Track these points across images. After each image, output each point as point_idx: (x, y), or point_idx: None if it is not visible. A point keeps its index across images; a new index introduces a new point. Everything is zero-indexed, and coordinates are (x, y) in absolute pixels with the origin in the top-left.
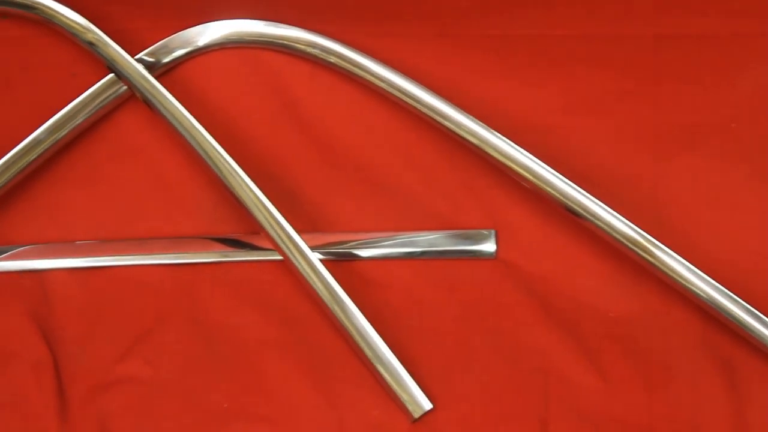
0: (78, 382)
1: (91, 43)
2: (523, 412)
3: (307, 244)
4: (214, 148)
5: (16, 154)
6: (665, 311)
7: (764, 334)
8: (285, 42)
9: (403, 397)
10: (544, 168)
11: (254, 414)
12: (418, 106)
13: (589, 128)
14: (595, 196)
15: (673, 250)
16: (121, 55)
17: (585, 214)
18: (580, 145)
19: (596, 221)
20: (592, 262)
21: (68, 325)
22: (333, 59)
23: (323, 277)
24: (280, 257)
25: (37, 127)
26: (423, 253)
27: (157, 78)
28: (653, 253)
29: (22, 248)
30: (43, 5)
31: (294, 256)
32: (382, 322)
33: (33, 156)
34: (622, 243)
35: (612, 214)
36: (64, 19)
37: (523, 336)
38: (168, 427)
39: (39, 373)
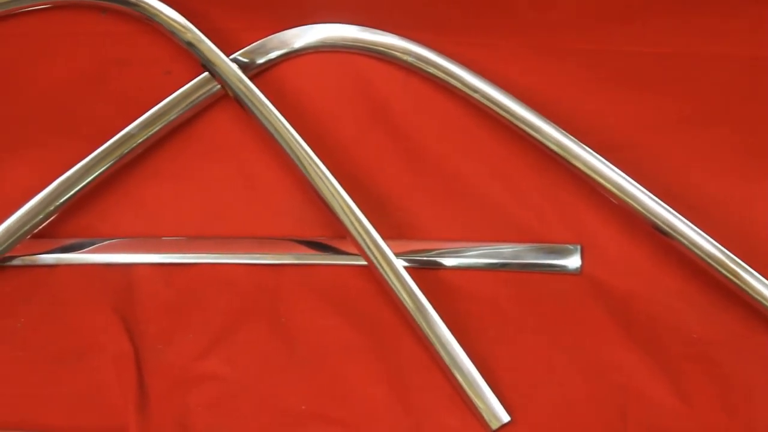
0: (158, 377)
1: (188, 42)
2: (601, 429)
3: (392, 250)
4: (304, 150)
5: (108, 147)
6: (749, 334)
7: None
8: (380, 48)
9: (482, 408)
10: (633, 185)
11: (331, 417)
12: (510, 118)
13: (679, 147)
14: (683, 215)
15: (760, 273)
16: (217, 54)
17: (672, 232)
18: (669, 163)
19: (683, 240)
20: (677, 282)
21: (151, 320)
22: (427, 67)
23: (407, 284)
24: (364, 262)
25: (130, 122)
26: (507, 264)
27: (251, 78)
28: (740, 275)
29: (109, 241)
30: (145, 2)
31: (378, 262)
32: (463, 332)
33: (124, 150)
34: (708, 263)
35: (699, 234)
36: (164, 17)
37: (604, 353)
38: (245, 426)
39: (120, 367)
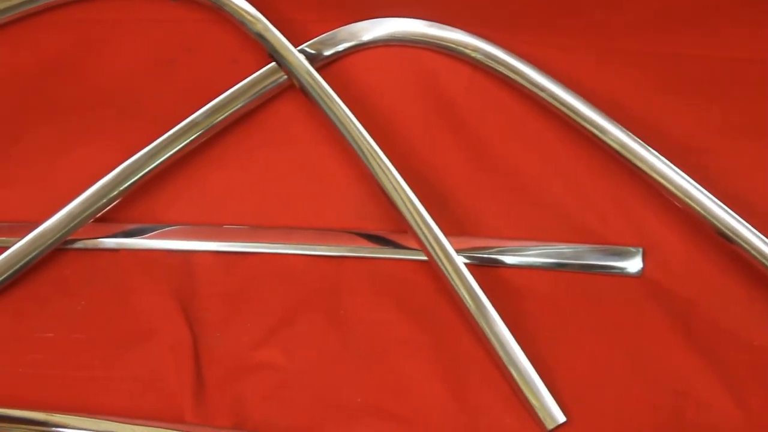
0: (215, 365)
1: (256, 32)
2: None
3: (452, 246)
4: (368, 143)
5: (173, 134)
6: None
7: None
8: (448, 44)
9: (538, 407)
10: (698, 189)
11: (386, 411)
12: (576, 118)
13: (746, 152)
14: (747, 222)
15: None
16: (284, 45)
17: (736, 239)
18: (736, 169)
19: (747, 247)
20: (739, 289)
21: (210, 308)
22: (495, 65)
23: (467, 281)
24: (424, 258)
25: (196, 110)
26: (567, 264)
27: (317, 70)
28: None
29: (171, 228)
30: None
31: (439, 258)
32: (522, 331)
33: (189, 138)
34: None
35: (764, 241)
36: (233, 6)
37: (663, 357)
38: (300, 417)
39: (178, 353)
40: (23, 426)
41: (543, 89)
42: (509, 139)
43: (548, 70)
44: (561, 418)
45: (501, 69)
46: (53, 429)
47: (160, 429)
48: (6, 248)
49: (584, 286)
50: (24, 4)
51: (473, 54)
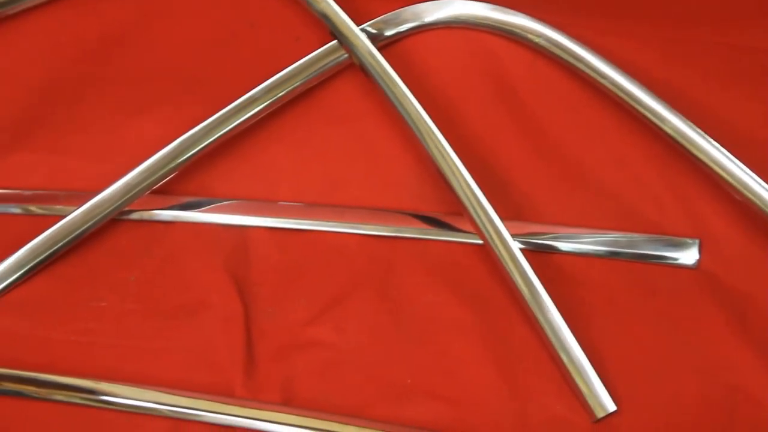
0: (266, 340)
1: (319, 10)
2: (708, 427)
3: (508, 231)
4: (427, 124)
5: (232, 109)
6: None
7: None
8: (511, 28)
9: (588, 396)
10: (758, 182)
11: (436, 393)
12: (637, 106)
13: None
14: None
15: None
16: (347, 24)
17: None
18: None
19: None
20: None
21: (263, 283)
22: (557, 51)
23: (521, 266)
24: (479, 241)
25: (256, 85)
26: (622, 253)
27: (379, 49)
28: None
29: (226, 202)
30: None
31: (494, 242)
32: (574, 318)
33: (248, 113)
34: None
35: None
36: None
37: (717, 350)
38: (350, 395)
39: (229, 327)
40: (72, 393)
41: (604, 77)
42: (569, 125)
43: (611, 57)
44: (611, 407)
45: (563, 55)
46: (101, 397)
47: (208, 401)
48: (63, 217)
49: (639, 276)
50: None
51: (536, 39)
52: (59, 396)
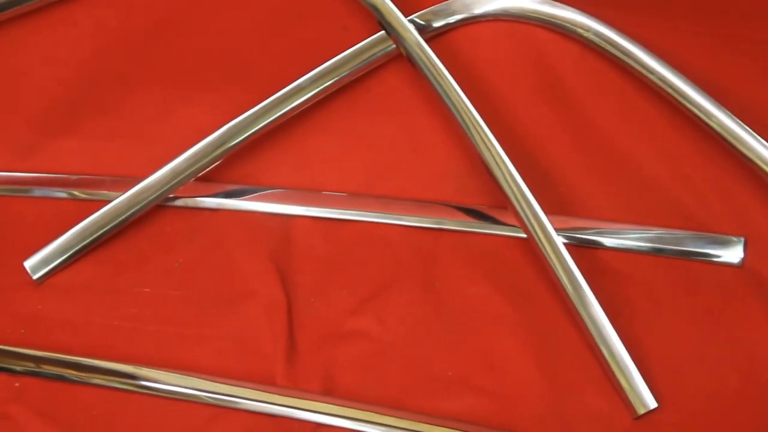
0: (308, 329)
1: (368, 0)
2: (749, 426)
3: (552, 225)
4: (473, 116)
5: (278, 98)
6: None
7: None
8: (560, 22)
9: (629, 392)
10: None
11: (476, 386)
12: (684, 102)
13: None
14: None
15: None
16: (395, 14)
17: None
18: None
19: None
20: None
21: (306, 272)
22: (606, 45)
23: (565, 261)
24: (522, 235)
25: (303, 74)
26: (666, 250)
27: (426, 41)
28: None
29: (271, 191)
30: None
31: (538, 236)
32: (617, 314)
33: (294, 102)
34: None
35: None
36: None
37: (760, 349)
38: (390, 386)
39: (272, 315)
40: (113, 378)
41: (653, 72)
42: (615, 119)
43: (659, 53)
44: (652, 403)
45: (611, 49)
46: (142, 383)
47: (249, 389)
48: (108, 202)
49: (682, 273)
50: None
51: (585, 33)
52: (100, 380)
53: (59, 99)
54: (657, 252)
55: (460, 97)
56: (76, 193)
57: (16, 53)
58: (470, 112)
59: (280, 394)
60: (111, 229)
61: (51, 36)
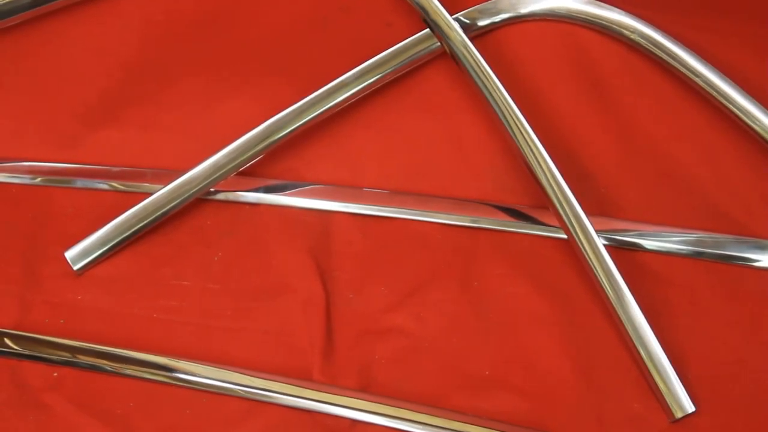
0: (346, 325)
1: None
2: None
3: (593, 227)
4: (516, 115)
5: (322, 94)
6: None
7: None
8: (606, 23)
9: (667, 395)
10: None
11: (513, 385)
12: (730, 106)
13: None
14: None
15: None
16: (440, 12)
17: None
18: None
19: None
20: None
21: (344, 268)
22: (650, 47)
23: (605, 262)
24: (562, 235)
25: (346, 70)
26: (708, 254)
27: (471, 39)
28: None
29: (311, 186)
30: None
31: (579, 237)
32: (656, 316)
33: (337, 98)
34: None
35: None
36: None
37: None
38: (426, 384)
39: (310, 310)
40: (150, 370)
41: (697, 74)
42: (659, 122)
43: (704, 55)
44: (690, 407)
45: (656, 51)
46: (179, 375)
47: (285, 384)
48: (149, 194)
49: (723, 277)
50: None
51: (630, 34)
52: (137, 372)
53: (104, 90)
54: (697, 255)
55: (503, 96)
56: (117, 185)
57: (63, 44)
58: (513, 111)
59: (316, 390)
60: (151, 221)
61: (97, 28)
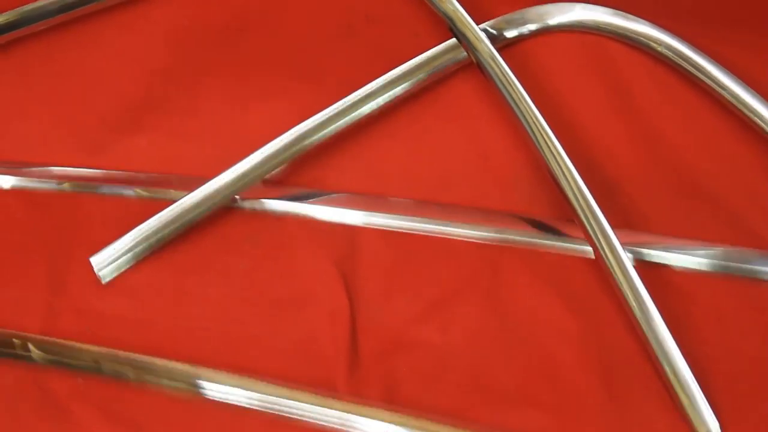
0: (371, 336)
1: (440, 7)
2: None
3: (619, 240)
4: (542, 126)
5: (348, 103)
6: None
7: None
8: (633, 35)
9: (692, 413)
10: None
11: (538, 400)
12: (757, 120)
13: None
14: None
15: None
16: (467, 23)
17: None
18: None
19: None
20: None
21: (370, 279)
22: (678, 60)
23: (631, 277)
24: (589, 249)
25: (373, 79)
26: (733, 268)
27: (498, 50)
28: None
29: (337, 195)
30: None
31: (604, 251)
32: (681, 332)
33: (363, 107)
34: None
35: None
36: None
37: None
38: (451, 397)
39: (335, 321)
40: (173, 378)
41: (724, 87)
42: (685, 135)
43: (731, 68)
44: (715, 426)
45: (683, 64)
46: (202, 383)
47: (309, 395)
48: (174, 201)
49: (750, 294)
50: None
51: (657, 47)
52: (162, 380)
53: (131, 97)
54: (723, 270)
55: (530, 107)
56: (143, 191)
57: (90, 51)
58: (539, 122)
59: (340, 401)
60: (177, 229)
61: (124, 34)
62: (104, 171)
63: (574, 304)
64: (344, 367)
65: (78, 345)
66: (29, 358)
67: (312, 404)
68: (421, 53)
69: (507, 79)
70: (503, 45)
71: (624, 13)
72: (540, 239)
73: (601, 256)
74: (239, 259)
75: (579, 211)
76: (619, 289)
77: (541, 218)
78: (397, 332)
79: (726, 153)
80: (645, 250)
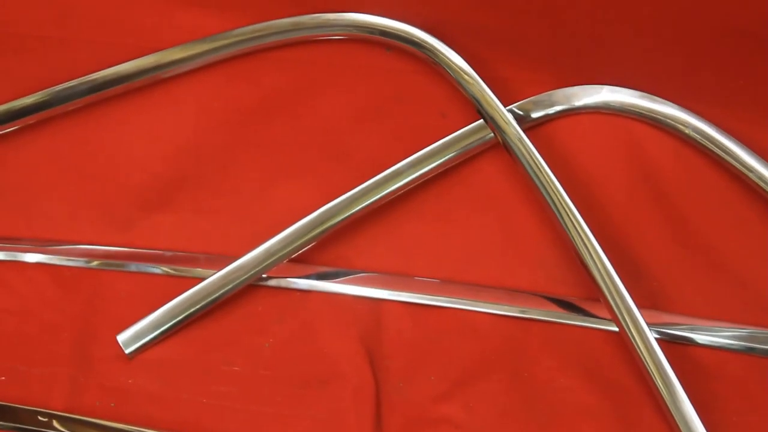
0: (396, 414)
1: (467, 89)
2: None
3: (645, 320)
4: (569, 207)
5: (375, 182)
6: None
7: None
8: (659, 117)
9: None
10: None
11: None
12: None
13: None
14: None
15: None
16: (494, 104)
17: None
18: None
19: None
20: None
21: (395, 357)
22: (704, 141)
23: (657, 357)
24: (614, 328)
25: (400, 159)
26: (760, 350)
27: (525, 131)
28: None
29: (363, 274)
30: (431, 45)
31: (630, 331)
32: (707, 412)
33: (390, 187)
34: None
35: None
36: (447, 61)
37: None
38: None
39: (359, 398)
40: None
41: (751, 169)
42: (712, 216)
43: (759, 151)
44: None
45: (710, 146)
46: None
47: None
48: (202, 279)
49: None
50: (245, 41)
51: (684, 129)
52: None
53: (159, 175)
54: (749, 351)
55: (556, 187)
56: (170, 269)
57: (118, 130)
58: (566, 203)
59: None
60: (203, 307)
61: (153, 114)
62: (131, 249)
63: (599, 383)
64: None
65: (103, 422)
66: None
67: None
68: (449, 134)
69: (533, 160)
70: (530, 126)
71: (651, 95)
72: (565, 318)
73: (627, 335)
74: (265, 336)
75: (605, 291)
76: (645, 369)
77: (566, 297)
78: (422, 410)
79: (753, 234)
80: (671, 331)
